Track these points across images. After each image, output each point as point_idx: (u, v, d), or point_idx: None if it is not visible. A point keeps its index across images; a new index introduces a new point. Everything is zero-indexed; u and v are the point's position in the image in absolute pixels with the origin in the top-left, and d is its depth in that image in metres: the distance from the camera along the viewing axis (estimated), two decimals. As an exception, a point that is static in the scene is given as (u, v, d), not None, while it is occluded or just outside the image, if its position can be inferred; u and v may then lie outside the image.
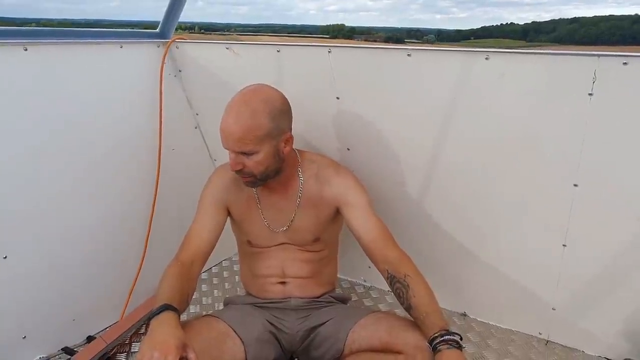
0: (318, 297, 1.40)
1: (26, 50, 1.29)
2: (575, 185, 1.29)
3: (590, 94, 1.14)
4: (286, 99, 1.25)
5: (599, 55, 1.10)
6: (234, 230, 1.45)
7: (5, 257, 1.30)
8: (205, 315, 1.32)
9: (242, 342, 1.22)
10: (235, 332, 1.23)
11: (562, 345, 1.57)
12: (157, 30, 1.75)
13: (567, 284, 1.46)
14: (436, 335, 1.05)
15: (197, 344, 1.11)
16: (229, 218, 1.39)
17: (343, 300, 1.46)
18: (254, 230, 1.37)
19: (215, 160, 2.02)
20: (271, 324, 1.33)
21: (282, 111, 1.22)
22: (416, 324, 1.13)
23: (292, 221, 1.35)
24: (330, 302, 1.41)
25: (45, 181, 1.38)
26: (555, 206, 1.36)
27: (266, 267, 1.39)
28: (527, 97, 1.25)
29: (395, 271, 1.21)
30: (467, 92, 1.30)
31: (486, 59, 1.22)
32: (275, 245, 1.38)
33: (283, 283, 1.38)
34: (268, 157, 1.21)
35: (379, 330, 1.17)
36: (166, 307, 1.03)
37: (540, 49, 1.36)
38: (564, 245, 1.40)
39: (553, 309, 1.53)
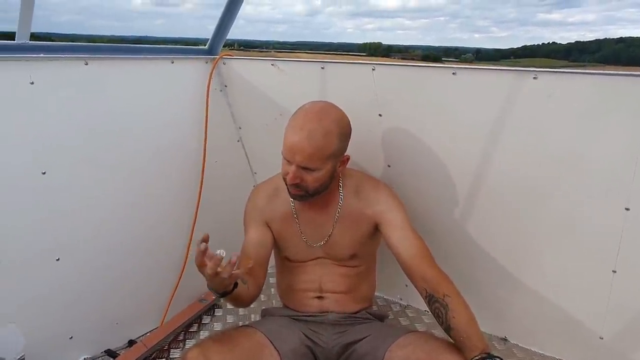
0: (355, 313, 1.40)
1: (87, 64, 1.37)
2: (627, 209, 1.24)
3: (644, 115, 1.11)
4: (349, 119, 1.28)
5: (654, 75, 1.07)
6: (274, 247, 1.45)
7: (58, 259, 1.36)
8: (242, 325, 1.34)
9: (279, 353, 1.22)
10: (272, 343, 1.24)
11: (609, 376, 1.49)
12: (206, 47, 1.82)
13: (617, 312, 1.40)
14: (476, 357, 1.03)
15: (235, 354, 1.13)
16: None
17: (380, 318, 1.45)
18: (291, 246, 1.39)
19: (255, 173, 2.06)
20: (307, 337, 1.33)
21: (347, 133, 1.26)
22: (456, 346, 1.10)
23: (329, 236, 1.36)
24: (367, 318, 1.40)
25: (96, 189, 1.45)
26: (605, 230, 1.31)
27: (303, 281, 1.40)
28: (577, 118, 1.22)
29: (434, 290, 1.19)
30: (513, 111, 1.28)
31: (534, 78, 1.20)
32: (313, 260, 1.39)
33: (320, 298, 1.39)
34: (326, 175, 1.24)
35: (417, 352, 1.15)
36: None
37: (585, 69, 1.33)
38: (614, 272, 1.34)
39: (600, 337, 1.46)
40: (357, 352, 1.28)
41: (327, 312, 1.37)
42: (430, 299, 1.20)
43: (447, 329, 1.15)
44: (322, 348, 1.33)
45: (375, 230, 1.35)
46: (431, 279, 1.23)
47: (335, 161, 1.24)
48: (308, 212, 1.36)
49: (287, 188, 1.28)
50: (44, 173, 1.30)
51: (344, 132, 1.24)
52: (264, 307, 1.56)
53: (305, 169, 1.20)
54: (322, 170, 1.22)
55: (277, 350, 1.23)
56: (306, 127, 1.18)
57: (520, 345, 1.65)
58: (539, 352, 1.61)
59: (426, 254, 1.27)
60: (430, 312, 1.20)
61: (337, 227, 1.36)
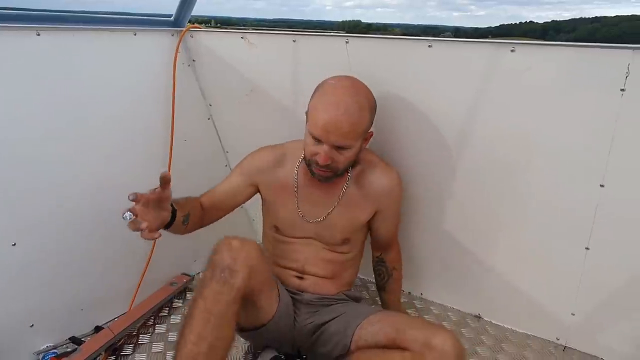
0: (332, 295, 1.37)
1: (39, 35, 1.27)
2: (602, 185, 1.23)
3: (622, 90, 1.09)
4: None
5: (633, 49, 1.04)
6: (263, 212, 1.43)
7: (14, 244, 1.28)
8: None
9: (279, 300, 1.26)
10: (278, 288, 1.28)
11: (580, 351, 1.51)
12: (172, 18, 1.72)
13: (589, 289, 1.41)
14: None
15: (267, 270, 1.19)
16: (260, 199, 1.39)
17: (356, 299, 1.43)
18: (284, 216, 1.35)
19: (227, 152, 1.99)
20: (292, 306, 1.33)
21: (375, 107, 1.22)
22: (425, 322, 1.17)
23: (327, 215, 1.32)
24: (342, 299, 1.38)
25: (54, 168, 1.36)
26: (579, 207, 1.30)
27: (287, 259, 1.38)
28: (554, 92, 1.19)
29: (387, 259, 1.49)
30: (490, 86, 1.25)
31: (512, 51, 1.17)
32: (302, 238, 1.35)
33: (300, 278, 1.37)
34: (356, 153, 1.20)
35: (385, 326, 1.15)
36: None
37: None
38: (587, 249, 1.35)
39: (572, 314, 1.47)
40: (328, 331, 1.27)
41: (304, 292, 1.35)
42: (379, 262, 1.50)
43: (380, 289, 1.52)
44: (297, 326, 1.31)
45: (373, 217, 1.35)
46: (389, 249, 1.49)
47: (363, 137, 1.20)
48: (310, 188, 1.31)
49: (311, 169, 1.22)
50: (-6, 153, 1.21)
51: (373, 105, 1.21)
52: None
53: (338, 148, 1.15)
54: (353, 149, 1.17)
55: (279, 297, 1.26)
56: (342, 104, 1.11)
57: (493, 322, 1.66)
58: (512, 328, 1.62)
59: (397, 230, 1.44)
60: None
61: (337, 208, 1.31)
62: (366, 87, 1.20)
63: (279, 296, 1.26)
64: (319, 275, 1.36)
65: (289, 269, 1.38)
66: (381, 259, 1.50)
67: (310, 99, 1.19)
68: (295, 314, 1.32)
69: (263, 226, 1.46)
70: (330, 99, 1.13)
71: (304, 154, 1.25)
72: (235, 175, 1.35)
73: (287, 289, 1.35)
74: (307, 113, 1.20)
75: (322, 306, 1.34)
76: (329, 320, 1.28)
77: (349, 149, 1.16)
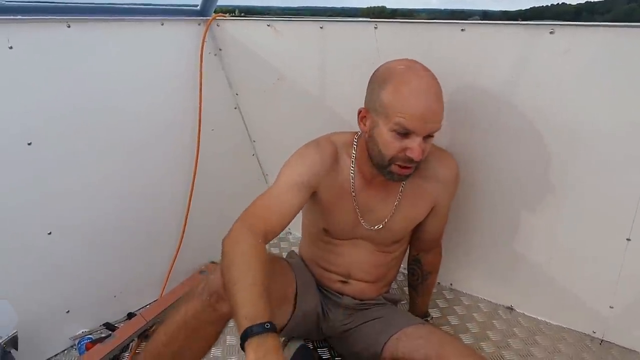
0: (372, 299, 1.32)
1: (69, 27, 1.29)
2: (646, 173, 1.17)
3: (669, 71, 1.02)
4: None
5: (684, 27, 0.98)
6: (310, 212, 1.27)
7: (50, 232, 1.32)
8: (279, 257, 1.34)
9: (294, 309, 1.22)
10: (295, 298, 1.23)
11: (618, 345, 1.46)
12: (198, 8, 1.72)
13: (629, 281, 1.35)
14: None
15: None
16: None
17: (394, 302, 1.38)
18: (339, 222, 1.21)
19: (254, 141, 1.99)
20: (321, 306, 1.30)
21: None
22: (469, 350, 1.06)
23: (389, 218, 1.20)
24: (381, 303, 1.33)
25: (86, 158, 1.39)
26: (621, 196, 1.24)
27: (332, 263, 1.28)
28: (595, 75, 1.13)
29: (425, 261, 1.39)
30: (527, 70, 1.20)
31: (551, 32, 1.11)
32: (351, 239, 1.24)
33: (344, 282, 1.29)
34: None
35: (428, 347, 1.06)
36: (269, 327, 0.82)
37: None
38: (628, 240, 1.29)
39: (611, 307, 1.42)
40: (361, 331, 1.25)
41: (344, 294, 1.29)
42: (415, 262, 1.40)
43: (411, 287, 1.46)
44: (329, 323, 1.30)
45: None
46: (430, 251, 1.40)
47: None
48: (368, 190, 1.18)
49: (388, 169, 1.06)
50: (29, 144, 1.24)
51: None
52: (293, 250, 1.48)
53: (428, 137, 1.03)
54: (434, 136, 1.05)
55: (294, 307, 1.22)
56: (431, 88, 1.00)
57: (527, 314, 1.61)
58: (546, 320, 1.58)
59: (443, 230, 1.36)
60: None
61: (397, 211, 1.20)
62: None
63: (294, 306, 1.22)
64: (364, 280, 1.28)
65: (333, 272, 1.29)
66: (418, 259, 1.39)
67: (378, 91, 1.03)
68: (329, 313, 1.29)
69: (306, 225, 1.34)
70: (416, 86, 1.00)
71: (371, 155, 1.09)
72: (296, 184, 1.10)
73: (325, 289, 1.31)
74: (373, 109, 1.05)
75: (359, 310, 1.30)
76: (362, 323, 1.26)
77: (433, 137, 1.04)
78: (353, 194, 1.18)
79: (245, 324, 0.81)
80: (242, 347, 0.80)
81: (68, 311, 1.40)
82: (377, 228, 1.21)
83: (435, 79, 1.03)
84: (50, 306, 1.36)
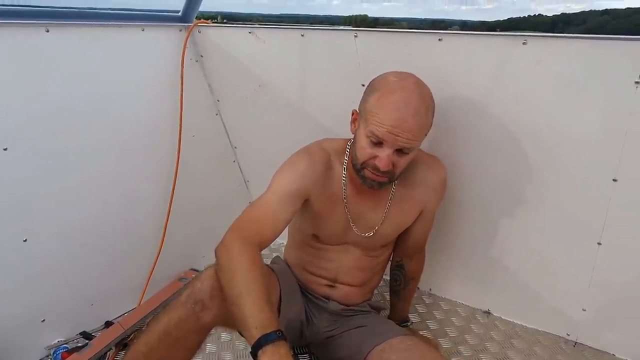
0: (357, 305, 1.33)
1: (48, 31, 1.27)
2: (615, 180, 1.22)
3: (637, 82, 1.07)
4: None
5: (647, 41, 1.02)
6: (300, 218, 1.26)
7: (25, 240, 1.29)
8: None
9: (278, 315, 1.20)
10: (279, 304, 1.22)
11: (591, 347, 1.49)
12: (179, 14, 1.72)
13: (600, 285, 1.39)
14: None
15: None
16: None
17: (377, 309, 1.40)
18: (330, 228, 1.22)
19: (235, 147, 1.99)
20: (305, 312, 1.30)
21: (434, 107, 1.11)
22: None
23: (380, 225, 1.22)
24: (365, 311, 1.34)
25: (64, 164, 1.37)
26: (592, 201, 1.29)
27: (320, 267, 1.29)
28: (566, 85, 1.18)
29: (408, 268, 1.40)
30: (501, 79, 1.24)
31: (524, 43, 1.15)
32: (339, 245, 1.26)
33: (331, 287, 1.30)
34: (413, 157, 1.09)
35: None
36: (281, 335, 0.85)
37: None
38: (599, 244, 1.33)
39: (583, 309, 1.46)
40: (343, 338, 1.26)
41: (331, 299, 1.30)
42: (398, 268, 1.42)
43: (393, 292, 1.47)
44: (313, 329, 1.30)
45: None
46: (414, 257, 1.41)
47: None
48: (359, 196, 1.19)
49: (362, 174, 1.09)
50: (5, 149, 1.22)
51: (434, 105, 1.09)
52: (276, 255, 1.47)
53: (399, 151, 1.04)
54: (413, 152, 1.07)
55: (278, 314, 1.20)
56: (410, 104, 1.01)
57: (503, 318, 1.65)
58: (522, 324, 1.61)
59: (428, 235, 1.37)
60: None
61: (387, 217, 1.22)
62: (426, 85, 1.09)
63: (278, 313, 1.20)
64: (351, 284, 1.29)
65: (320, 277, 1.29)
66: (401, 265, 1.41)
67: (367, 96, 1.07)
68: (313, 318, 1.30)
69: (294, 230, 1.34)
70: (397, 98, 1.01)
71: (352, 157, 1.13)
72: (289, 194, 1.10)
73: (311, 294, 1.31)
74: (360, 112, 1.09)
75: (344, 317, 1.31)
76: (346, 330, 1.27)
77: (411, 152, 1.06)
78: (345, 201, 1.19)
79: (257, 333, 0.84)
80: (254, 356, 0.83)
81: (43, 320, 1.38)
82: (368, 235, 1.23)
83: (423, 97, 1.04)
84: (24, 315, 1.33)
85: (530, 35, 1.14)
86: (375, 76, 1.44)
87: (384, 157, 1.03)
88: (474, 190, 1.49)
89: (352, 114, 1.14)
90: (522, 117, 1.27)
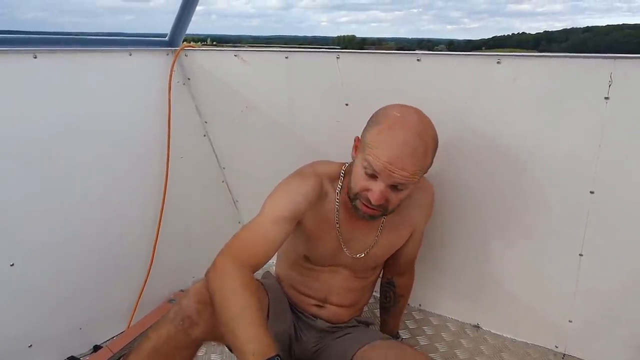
0: (344, 322, 1.34)
1: (35, 57, 1.30)
2: (592, 192, 1.25)
3: (606, 98, 1.11)
4: None
5: (615, 58, 1.07)
6: (292, 239, 1.23)
7: (13, 264, 1.29)
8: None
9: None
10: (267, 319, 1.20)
11: (579, 358, 1.51)
12: (166, 38, 1.75)
13: (585, 296, 1.41)
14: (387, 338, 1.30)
15: None
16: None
17: (366, 324, 1.40)
18: (321, 250, 1.23)
19: (224, 168, 2.01)
20: (294, 328, 1.30)
21: (437, 145, 1.08)
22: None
23: (371, 247, 1.23)
24: (352, 325, 1.35)
25: (52, 188, 1.38)
26: (571, 214, 1.32)
27: (310, 287, 1.29)
28: (541, 102, 1.22)
29: (398, 284, 1.43)
30: (478, 97, 1.28)
31: (498, 62, 1.20)
32: (330, 266, 1.26)
33: (320, 307, 1.30)
34: (408, 194, 1.08)
35: (389, 355, 1.10)
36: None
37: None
38: (581, 255, 1.36)
39: (570, 321, 1.48)
40: (330, 348, 1.26)
41: (318, 318, 1.30)
42: (388, 285, 1.44)
43: (383, 309, 1.49)
44: (301, 345, 1.30)
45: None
46: (404, 275, 1.44)
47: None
48: (351, 221, 1.19)
49: (355, 204, 1.09)
50: (-8, 174, 1.23)
51: (437, 144, 1.07)
52: (268, 271, 1.46)
53: (395, 187, 1.03)
54: (409, 188, 1.06)
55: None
56: (410, 142, 0.99)
57: (492, 331, 1.66)
58: (511, 337, 1.62)
59: (417, 253, 1.40)
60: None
61: (379, 240, 1.23)
62: (431, 122, 1.06)
63: None
64: (340, 304, 1.30)
65: (310, 297, 1.30)
66: (391, 282, 1.43)
67: (369, 127, 1.05)
68: (302, 335, 1.30)
69: (285, 250, 1.32)
70: (397, 135, 0.99)
71: (346, 186, 1.14)
72: (285, 216, 1.09)
73: (299, 312, 1.32)
74: (359, 142, 1.08)
75: (331, 332, 1.31)
76: (333, 340, 1.27)
77: (407, 189, 1.05)
78: (337, 225, 1.19)
79: None
80: None
81: (30, 345, 1.36)
82: (359, 256, 1.24)
83: (424, 136, 1.02)
84: (11, 340, 1.32)
85: (504, 55, 1.19)
86: (358, 96, 1.48)
87: (377, 191, 1.02)
88: (458, 208, 1.51)
89: (355, 140, 1.12)
90: (500, 134, 1.31)
